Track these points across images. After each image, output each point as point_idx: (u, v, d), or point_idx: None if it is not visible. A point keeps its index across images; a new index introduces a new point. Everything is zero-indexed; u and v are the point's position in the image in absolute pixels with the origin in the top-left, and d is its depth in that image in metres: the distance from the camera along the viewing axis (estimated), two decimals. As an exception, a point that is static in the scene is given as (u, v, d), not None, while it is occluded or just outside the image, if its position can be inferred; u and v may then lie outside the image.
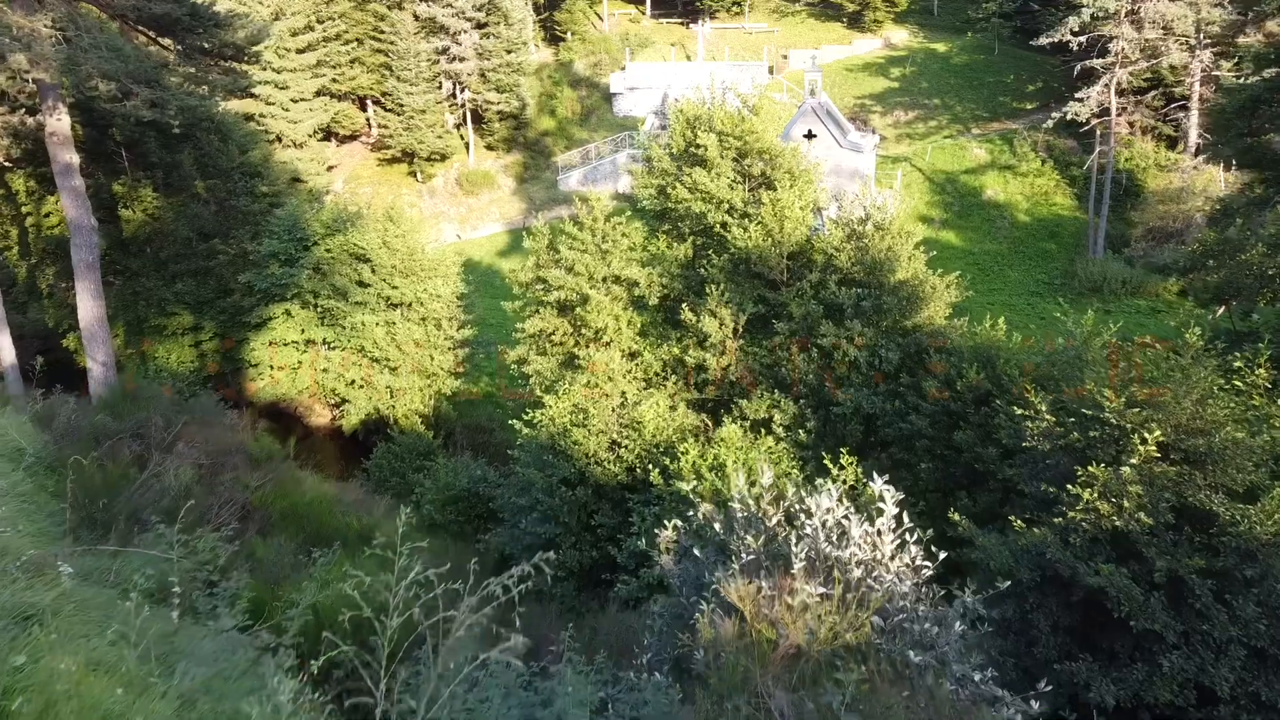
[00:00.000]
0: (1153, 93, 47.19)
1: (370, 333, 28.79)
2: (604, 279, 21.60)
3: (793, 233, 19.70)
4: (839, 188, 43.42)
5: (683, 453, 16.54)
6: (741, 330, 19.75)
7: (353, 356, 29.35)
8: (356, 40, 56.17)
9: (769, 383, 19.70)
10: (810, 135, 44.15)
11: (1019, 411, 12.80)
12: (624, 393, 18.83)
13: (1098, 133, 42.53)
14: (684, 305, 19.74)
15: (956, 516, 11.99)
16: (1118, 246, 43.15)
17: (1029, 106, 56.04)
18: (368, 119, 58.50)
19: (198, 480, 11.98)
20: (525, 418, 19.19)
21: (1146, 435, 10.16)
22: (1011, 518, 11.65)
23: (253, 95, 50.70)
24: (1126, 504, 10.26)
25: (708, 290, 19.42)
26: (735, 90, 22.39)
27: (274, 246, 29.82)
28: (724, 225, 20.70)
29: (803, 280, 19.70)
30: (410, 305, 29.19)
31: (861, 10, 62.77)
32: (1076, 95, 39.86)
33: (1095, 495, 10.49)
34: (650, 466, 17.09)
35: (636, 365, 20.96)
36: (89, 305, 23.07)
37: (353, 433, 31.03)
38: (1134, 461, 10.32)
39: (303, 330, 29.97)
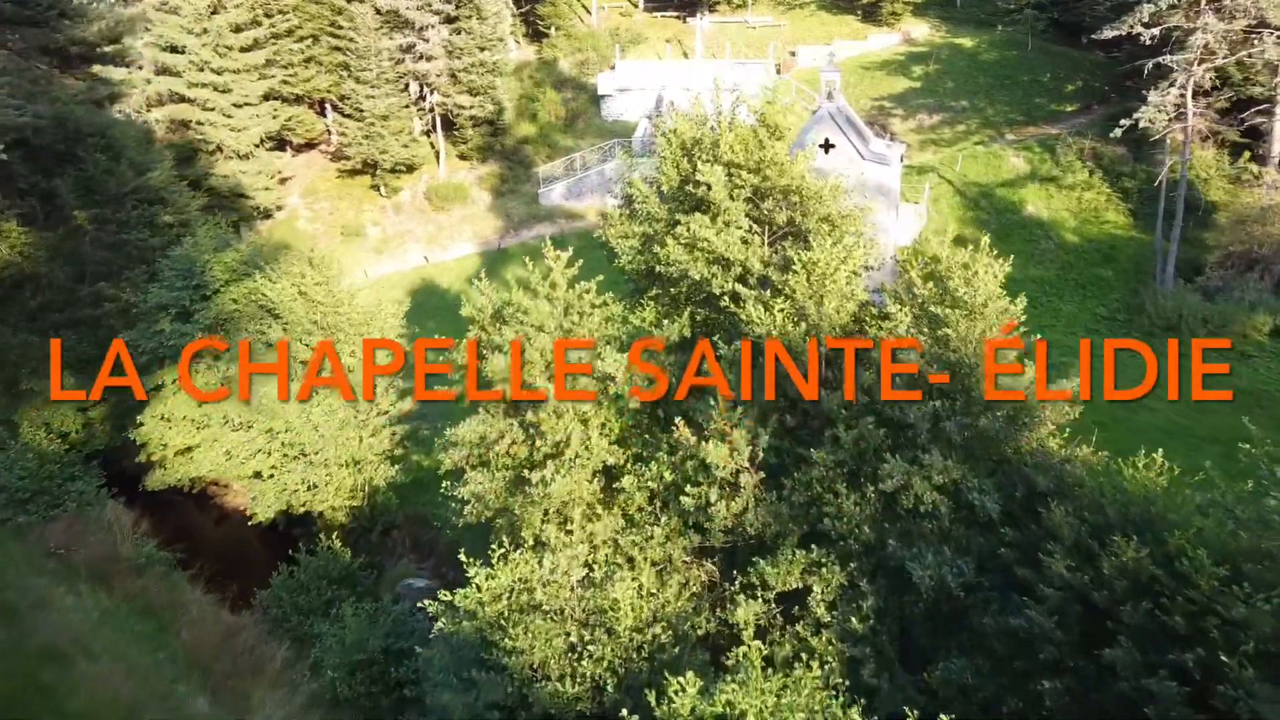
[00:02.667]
0: (1216, 94, 40.89)
1: (279, 410, 22.55)
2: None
3: (836, 312, 13.47)
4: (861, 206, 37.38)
5: (676, 691, 10.33)
6: (761, 456, 13.55)
7: (261, 439, 23.10)
8: (311, 37, 49.85)
9: (802, 529, 13.52)
10: (828, 146, 37.91)
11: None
12: (590, 563, 12.61)
13: (1168, 142, 36.24)
14: (677, 421, 13.49)
15: None
16: (1187, 274, 36.90)
17: (1069, 109, 49.78)
18: (327, 126, 52.20)
19: None
20: (442, 598, 12.95)
21: None
22: None
23: (187, 100, 44.56)
24: None
25: (713, 403, 13.20)
26: (747, 101, 16.09)
27: (163, 297, 23.60)
28: (735, 298, 14.46)
29: (851, 382, 13.49)
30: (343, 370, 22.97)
31: (878, 2, 56.45)
32: (1149, 98, 33.51)
33: None
34: (624, 696, 10.93)
35: (613, 499, 14.76)
36: None
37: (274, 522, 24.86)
38: None
39: (200, 403, 23.72)
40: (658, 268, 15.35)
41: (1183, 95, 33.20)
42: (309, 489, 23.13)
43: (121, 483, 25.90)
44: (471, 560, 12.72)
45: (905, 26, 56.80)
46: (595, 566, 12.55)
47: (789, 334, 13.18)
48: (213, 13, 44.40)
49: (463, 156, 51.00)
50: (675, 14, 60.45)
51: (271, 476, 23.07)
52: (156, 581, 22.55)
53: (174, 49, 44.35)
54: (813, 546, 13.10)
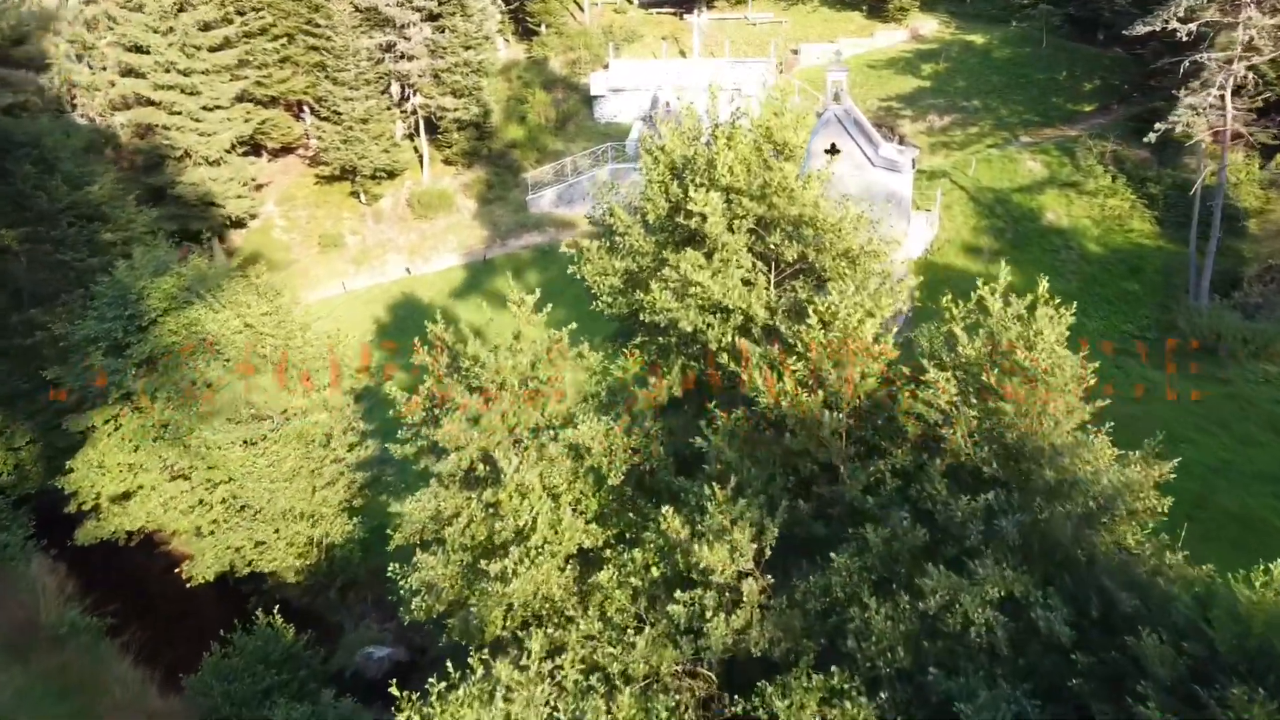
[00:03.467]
0: (1251, 94, 38.25)
1: (220, 457, 19.92)
2: (534, 436, 12.81)
3: (861, 378, 10.84)
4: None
5: None
6: (769, 554, 10.94)
7: (201, 489, 20.49)
8: (286, 36, 47.17)
9: (819, 645, 10.92)
10: (833, 151, 35.28)
11: None
12: (553, 703, 10.02)
13: (1202, 146, 33.59)
14: (665, 512, 10.86)
15: None
16: (1223, 289, 34.29)
17: (1086, 109, 47.12)
18: (305, 129, 49.53)
19: None
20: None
21: None
22: None
23: (152, 103, 41.96)
24: None
25: (709, 492, 10.58)
26: (749, 114, 13.41)
27: (93, 329, 20.97)
28: (735, 354, 11.83)
29: (880, 462, 10.90)
30: (291, 415, 20.36)
31: (884, -4, 53.83)
32: (1182, 99, 30.85)
33: None
34: None
35: (589, 595, 12.18)
36: None
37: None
38: None
39: (136, 447, 21.10)
40: (641, 310, 12.77)
41: (1221, 95, 30.53)
42: (255, 546, 20.52)
43: (55, 530, 23.35)
44: (407, 698, 10.09)
45: (913, 23, 54.16)
46: (561, 704, 9.96)
47: (804, 406, 10.57)
48: (179, 10, 41.73)
49: (448, 161, 48.36)
50: (672, 10, 57.79)
51: (212, 533, 20.47)
52: (80, 655, 19.93)
53: (138, 49, 41.68)
54: (833, 670, 10.48)
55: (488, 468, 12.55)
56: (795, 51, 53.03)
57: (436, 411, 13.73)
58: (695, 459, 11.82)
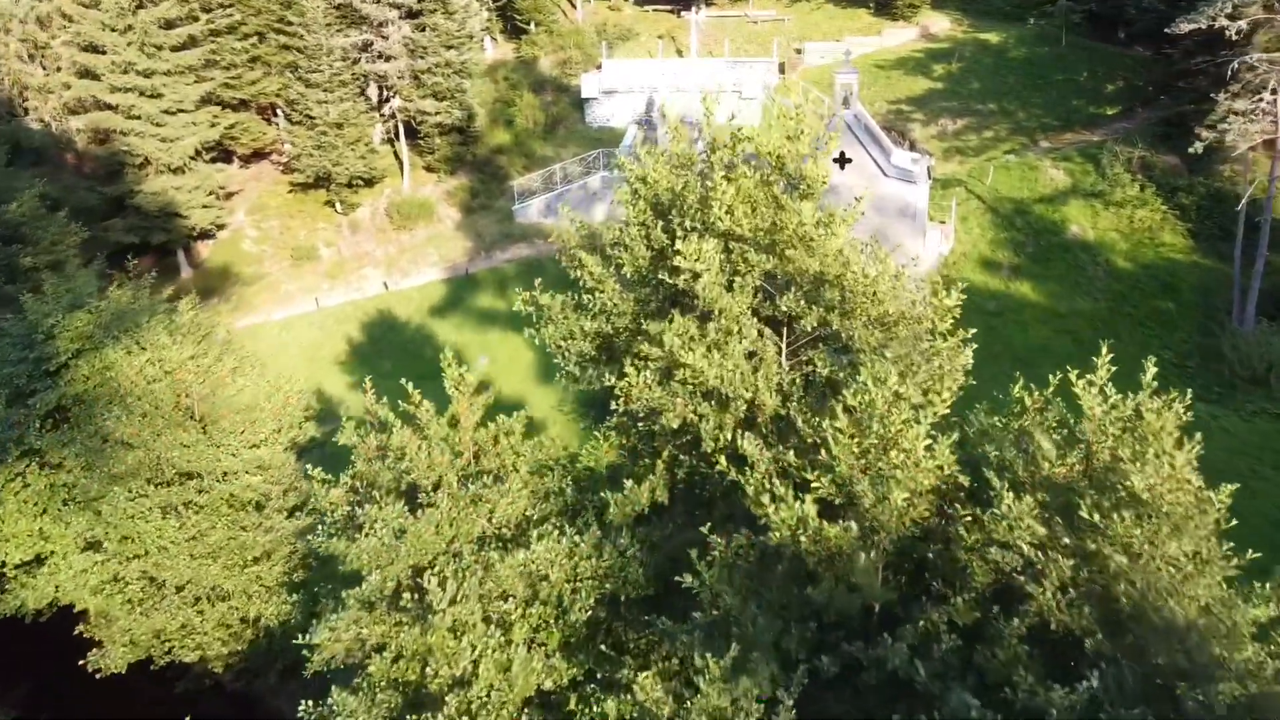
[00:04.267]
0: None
1: (135, 528, 17.03)
2: (478, 549, 9.94)
3: (909, 505, 7.93)
4: (883, 232, 31.89)
5: None
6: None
7: (114, 564, 17.60)
8: (257, 34, 44.27)
9: None
10: (844, 160, 32.42)
11: None
12: None
13: (1249, 155, 30.70)
14: (640, 682, 8.00)
15: None
16: (1270, 311, 31.41)
17: (1109, 112, 44.26)
18: (279, 133, 46.59)
19: None
20: None
21: None
22: None
23: (109, 106, 39.08)
24: None
25: (700, 663, 7.70)
26: (754, 137, 10.48)
27: (-7, 374, 18.06)
28: (740, 461, 8.96)
29: (934, 612, 8.00)
30: (219, 477, 17.46)
31: (892, -8, 50.88)
32: (1221, 103, 27.97)
33: None
34: None
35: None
36: None
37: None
38: None
39: (44, 510, 18.21)
40: (616, 404, 9.90)
41: (1274, 99, 27.64)
42: (180, 628, 17.65)
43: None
44: None
45: (923, 20, 51.25)
46: None
47: (828, 539, 7.74)
48: (138, 6, 38.79)
49: (429, 168, 45.43)
50: (669, 7, 54.87)
51: (129, 613, 17.59)
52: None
53: (94, 48, 38.77)
54: None
55: (415, 597, 9.68)
56: (799, 51, 50.13)
57: (359, 511, 10.85)
58: (685, 592, 8.98)
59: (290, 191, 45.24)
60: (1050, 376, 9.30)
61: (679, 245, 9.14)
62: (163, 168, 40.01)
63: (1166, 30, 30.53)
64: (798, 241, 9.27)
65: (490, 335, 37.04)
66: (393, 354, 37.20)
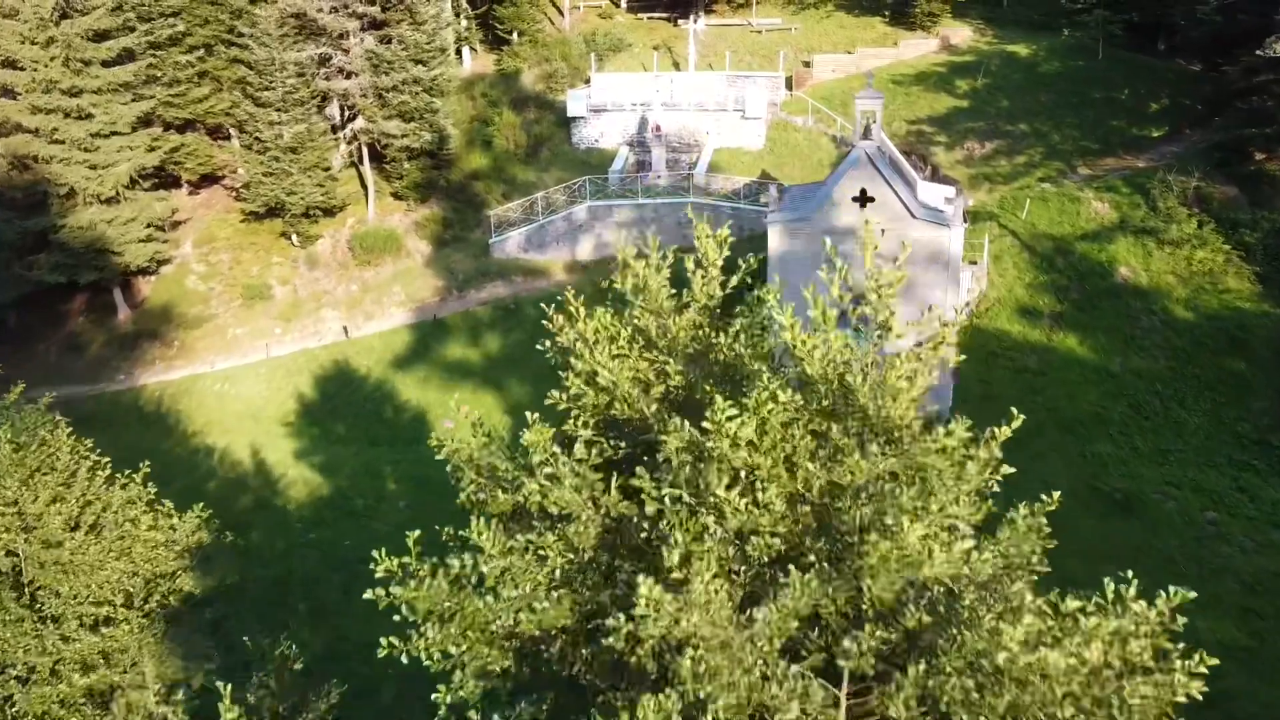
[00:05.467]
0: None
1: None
2: None
3: None
4: (910, 282, 27.44)
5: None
6: None
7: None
8: (204, 46, 39.76)
9: None
10: (864, 199, 27.90)
11: None
12: None
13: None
14: None
15: None
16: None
17: (1154, 134, 39.79)
18: (232, 156, 42.03)
19: None
20: None
21: None
22: None
23: (29, 130, 34.52)
24: None
25: None
26: (804, 355, 5.76)
27: None
28: None
29: None
30: (45, 675, 12.84)
31: (910, 1, 46.22)
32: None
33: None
34: None
35: None
36: None
37: None
38: None
39: None
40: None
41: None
42: None
43: None
44: None
45: (944, 30, 46.69)
46: None
47: None
48: (62, 16, 34.27)
49: (397, 195, 40.90)
50: (664, 15, 50.34)
51: None
52: None
53: (10, 64, 34.25)
54: None
55: None
56: (807, 64, 45.58)
57: None
58: None
59: (243, 221, 40.71)
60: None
61: (640, 586, 4.64)
62: (91, 198, 35.46)
63: (1259, 52, 25.90)
64: (885, 557, 4.83)
65: (461, 389, 32.48)
66: (348, 414, 32.71)
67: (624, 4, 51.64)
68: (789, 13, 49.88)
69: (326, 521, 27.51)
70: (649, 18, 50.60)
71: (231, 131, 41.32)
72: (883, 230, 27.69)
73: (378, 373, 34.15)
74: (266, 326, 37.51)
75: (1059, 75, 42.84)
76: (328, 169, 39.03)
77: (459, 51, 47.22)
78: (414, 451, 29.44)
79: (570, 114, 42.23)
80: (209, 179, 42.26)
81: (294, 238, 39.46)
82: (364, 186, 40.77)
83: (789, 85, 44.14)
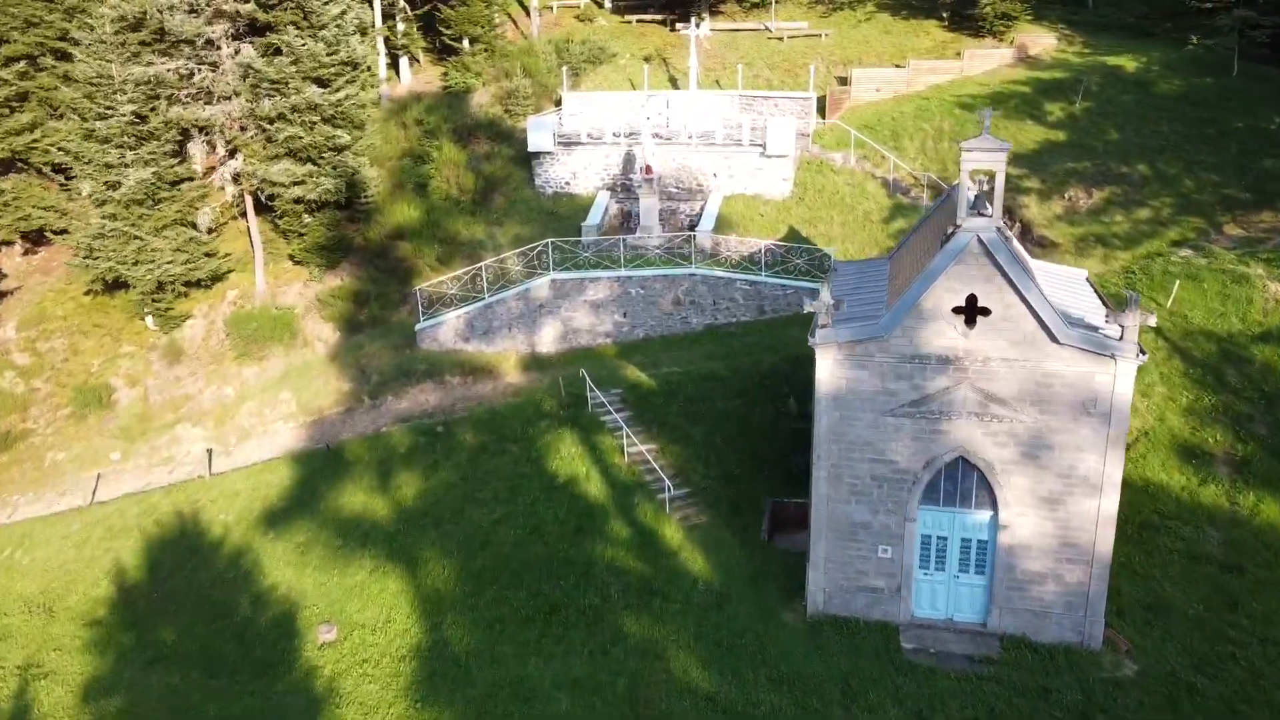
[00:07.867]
0: None
1: None
2: None
3: None
4: (1042, 440, 16.84)
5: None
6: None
7: None
8: (27, 57, 29.17)
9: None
10: (973, 311, 17.41)
11: None
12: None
13: None
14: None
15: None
16: None
17: (1320, 177, 29.23)
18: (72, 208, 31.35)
19: None
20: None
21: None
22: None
23: None
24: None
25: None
26: None
27: None
28: None
29: None
30: None
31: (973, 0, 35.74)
32: None
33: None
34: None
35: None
36: None
37: None
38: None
39: None
40: None
41: None
42: None
43: None
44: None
45: (1020, 37, 36.15)
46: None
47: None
48: None
49: (296, 259, 30.25)
50: (658, 17, 39.80)
51: None
52: None
53: None
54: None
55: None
56: (843, 81, 35.01)
57: None
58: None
59: (88, 294, 30.07)
60: None
61: None
62: None
63: None
64: None
65: (357, 566, 21.84)
66: (185, 608, 21.94)
67: (608, 3, 41.03)
68: (817, 14, 39.34)
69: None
70: (639, 21, 40.04)
71: (75, 173, 30.68)
72: (1003, 361, 17.11)
73: (238, 535, 23.43)
74: (100, 449, 26.88)
75: (1182, 97, 32.26)
76: (194, 226, 28.41)
77: (394, 63, 36.64)
78: (268, 695, 18.84)
79: (532, 148, 31.59)
80: (44, 237, 31.61)
81: (149, 320, 28.81)
82: (253, 247, 30.13)
83: (820, 110, 33.58)
